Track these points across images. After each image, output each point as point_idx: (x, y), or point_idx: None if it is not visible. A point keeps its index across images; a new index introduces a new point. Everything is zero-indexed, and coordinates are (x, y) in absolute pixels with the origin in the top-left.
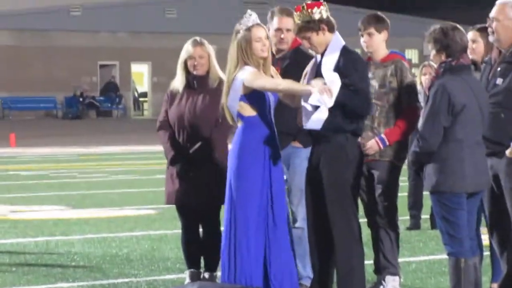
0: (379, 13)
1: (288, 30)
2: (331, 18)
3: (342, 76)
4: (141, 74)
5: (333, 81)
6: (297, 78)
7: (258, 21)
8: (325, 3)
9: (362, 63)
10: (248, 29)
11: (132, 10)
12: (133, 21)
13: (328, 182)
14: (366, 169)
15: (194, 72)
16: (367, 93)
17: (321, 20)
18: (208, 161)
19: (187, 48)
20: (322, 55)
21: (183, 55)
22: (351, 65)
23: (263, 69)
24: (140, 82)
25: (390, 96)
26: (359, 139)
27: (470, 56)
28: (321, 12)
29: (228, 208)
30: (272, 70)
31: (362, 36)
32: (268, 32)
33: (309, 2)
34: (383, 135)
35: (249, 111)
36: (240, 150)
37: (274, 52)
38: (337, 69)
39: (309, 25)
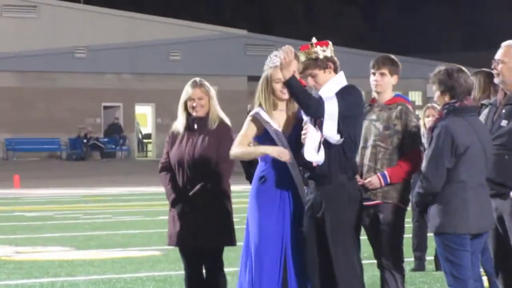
0: (391, 55)
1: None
2: (336, 59)
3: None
4: (145, 115)
5: (312, 134)
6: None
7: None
8: (330, 43)
9: (358, 95)
10: (271, 68)
11: (136, 52)
12: (137, 62)
13: (330, 222)
14: (372, 212)
15: (194, 114)
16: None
17: (328, 59)
18: (209, 203)
19: (187, 90)
20: None
21: (183, 97)
22: (345, 90)
23: (287, 110)
24: (144, 123)
25: (394, 139)
26: (358, 179)
27: None
28: (329, 51)
29: (245, 248)
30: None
31: (374, 74)
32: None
33: (315, 41)
34: (385, 172)
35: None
36: (254, 191)
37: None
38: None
39: (316, 63)
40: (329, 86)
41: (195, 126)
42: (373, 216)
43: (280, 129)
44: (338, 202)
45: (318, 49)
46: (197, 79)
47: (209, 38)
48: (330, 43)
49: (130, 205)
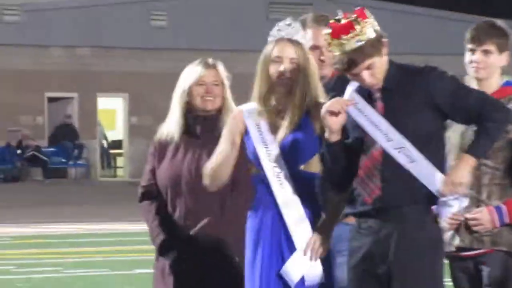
0: (497, 21)
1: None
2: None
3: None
4: (112, 113)
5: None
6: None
7: (298, 37)
8: (368, 12)
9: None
10: (271, 43)
11: (99, 14)
12: (101, 31)
13: (407, 279)
14: (471, 266)
15: (202, 106)
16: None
17: (379, 34)
18: (217, 249)
19: (195, 70)
20: (383, 91)
21: (185, 81)
22: (439, 80)
23: (288, 107)
24: (111, 125)
25: (505, 153)
26: (450, 216)
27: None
28: (372, 24)
29: None
30: None
31: (472, 52)
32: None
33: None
34: (502, 205)
35: (253, 168)
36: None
37: None
38: (426, 99)
39: (374, 48)
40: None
41: (198, 130)
42: (473, 273)
43: (271, 134)
44: (418, 251)
45: (366, 24)
46: (209, 58)
47: None
48: (366, 13)
49: (88, 251)
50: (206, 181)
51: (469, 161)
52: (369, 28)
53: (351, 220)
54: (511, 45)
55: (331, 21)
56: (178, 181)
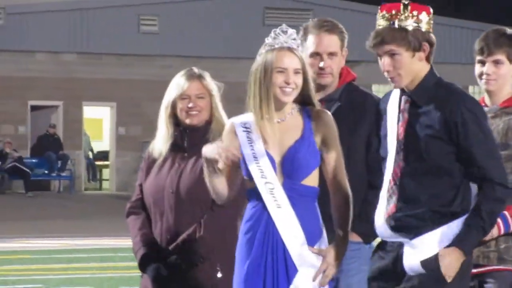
0: (507, 29)
1: (331, 54)
2: (435, 42)
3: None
4: (99, 122)
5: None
6: (352, 131)
7: (295, 45)
8: (432, 12)
9: (484, 116)
10: (272, 52)
11: (86, 18)
12: (88, 36)
13: None
14: (476, 283)
15: (187, 121)
16: (499, 158)
17: (427, 36)
18: (199, 265)
19: (178, 83)
20: (408, 94)
21: (170, 94)
22: (476, 126)
23: (286, 120)
24: (98, 135)
25: None
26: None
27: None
28: (430, 23)
29: None
30: (329, 121)
31: (483, 64)
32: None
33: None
34: (505, 212)
35: (247, 182)
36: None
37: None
38: (442, 127)
39: (409, 36)
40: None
41: (185, 143)
42: None
43: (267, 151)
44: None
45: (414, 15)
46: (194, 68)
47: None
48: (432, 11)
49: (74, 267)
50: (213, 196)
51: (455, 252)
52: (423, 22)
53: (354, 238)
54: None
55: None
56: (161, 196)
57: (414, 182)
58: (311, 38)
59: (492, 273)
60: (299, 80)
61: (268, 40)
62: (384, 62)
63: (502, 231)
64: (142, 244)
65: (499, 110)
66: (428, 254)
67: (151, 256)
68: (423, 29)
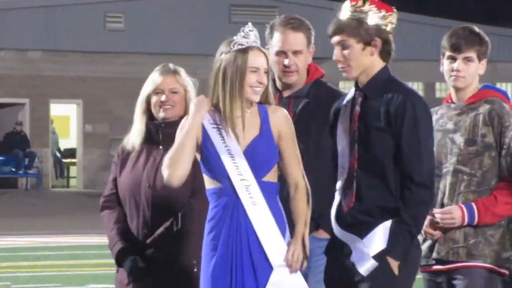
0: (475, 27)
1: (297, 52)
2: (392, 41)
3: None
4: (66, 119)
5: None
6: (320, 127)
7: (259, 44)
8: (396, 11)
9: (429, 118)
10: (244, 51)
11: (53, 14)
12: (54, 32)
13: None
14: (445, 279)
15: (161, 115)
16: (431, 161)
17: (380, 31)
18: (175, 258)
19: (153, 78)
20: (360, 89)
21: (145, 89)
22: (412, 122)
23: (248, 113)
24: (65, 133)
25: (483, 159)
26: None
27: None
28: (386, 21)
29: None
30: (284, 118)
31: (453, 60)
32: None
33: None
34: (472, 204)
35: (208, 182)
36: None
37: (279, 87)
38: (385, 119)
39: (359, 28)
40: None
41: (159, 137)
42: (445, 286)
43: (236, 142)
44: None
45: (371, 9)
46: (170, 64)
47: None
48: (395, 11)
49: (41, 265)
50: (164, 174)
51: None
52: (374, 16)
53: (322, 234)
54: (488, 53)
55: None
56: (137, 190)
57: (367, 175)
58: (276, 36)
59: (461, 269)
60: (266, 79)
61: (238, 38)
62: (336, 52)
63: (466, 222)
64: (118, 238)
65: (465, 107)
66: (376, 250)
67: (128, 249)
68: (378, 25)
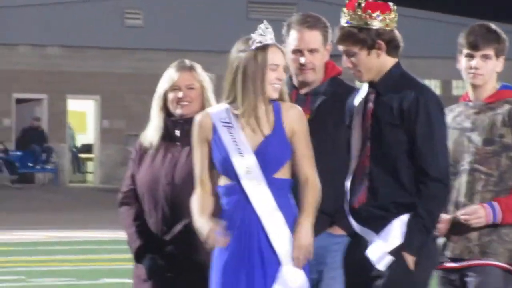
0: (492, 25)
1: (313, 51)
2: (397, 35)
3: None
4: (83, 115)
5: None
6: (337, 124)
7: (274, 41)
8: (395, 8)
9: (442, 114)
10: (263, 49)
11: (70, 11)
12: (71, 28)
13: None
14: (458, 277)
15: (178, 112)
16: (446, 158)
17: (380, 33)
18: (193, 255)
19: (169, 75)
20: (373, 86)
21: (162, 86)
22: (425, 117)
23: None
24: (82, 128)
25: (501, 159)
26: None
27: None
28: (386, 21)
29: None
30: (298, 115)
31: (471, 57)
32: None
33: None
34: (494, 202)
35: (219, 178)
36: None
37: (295, 85)
38: (398, 115)
39: (359, 36)
40: (388, 101)
41: (177, 133)
42: (459, 284)
43: (247, 140)
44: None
45: (367, 15)
46: (186, 60)
47: None
48: (393, 7)
49: (55, 259)
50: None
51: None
52: (374, 20)
53: (337, 231)
54: (506, 50)
55: None
56: (156, 187)
57: (381, 171)
58: (293, 34)
59: (474, 267)
60: (284, 76)
61: (255, 36)
62: (344, 59)
63: (490, 220)
64: (137, 236)
65: (484, 106)
66: (393, 245)
67: (147, 247)
68: (376, 27)
